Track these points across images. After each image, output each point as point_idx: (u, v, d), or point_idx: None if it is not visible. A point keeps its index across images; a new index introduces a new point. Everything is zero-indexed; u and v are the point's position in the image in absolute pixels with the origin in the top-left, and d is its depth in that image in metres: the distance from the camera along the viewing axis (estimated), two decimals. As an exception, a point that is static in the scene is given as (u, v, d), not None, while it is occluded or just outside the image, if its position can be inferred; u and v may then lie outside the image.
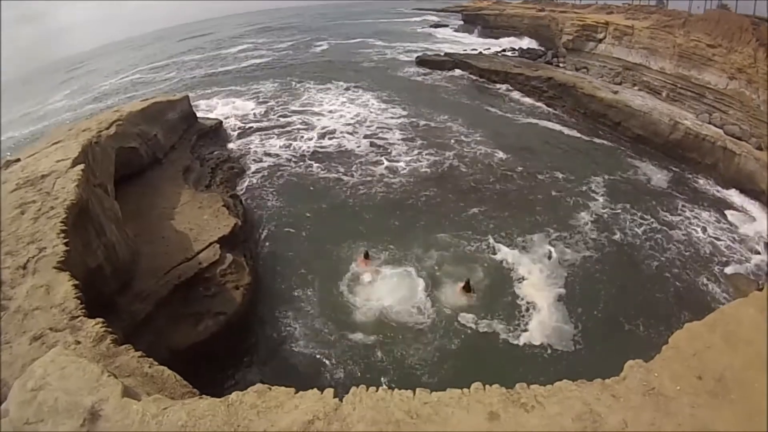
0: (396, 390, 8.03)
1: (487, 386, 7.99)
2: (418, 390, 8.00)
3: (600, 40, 58.60)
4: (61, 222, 15.64)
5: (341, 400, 7.88)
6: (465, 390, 7.93)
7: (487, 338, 20.85)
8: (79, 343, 10.43)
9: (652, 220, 30.11)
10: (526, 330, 21.10)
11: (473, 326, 21.32)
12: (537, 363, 19.55)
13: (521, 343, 20.49)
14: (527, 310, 22.31)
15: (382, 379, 18.76)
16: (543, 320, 21.59)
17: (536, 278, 24.32)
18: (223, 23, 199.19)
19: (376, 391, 8.02)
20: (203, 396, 8.94)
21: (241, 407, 7.73)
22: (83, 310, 11.80)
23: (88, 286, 14.97)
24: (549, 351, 20.10)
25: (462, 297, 23.14)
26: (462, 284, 23.48)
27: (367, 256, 26.27)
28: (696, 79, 42.63)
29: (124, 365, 9.87)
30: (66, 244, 14.68)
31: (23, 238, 14.93)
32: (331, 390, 8.10)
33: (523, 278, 24.40)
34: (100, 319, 11.37)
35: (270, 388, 8.15)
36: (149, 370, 9.78)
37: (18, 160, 23.44)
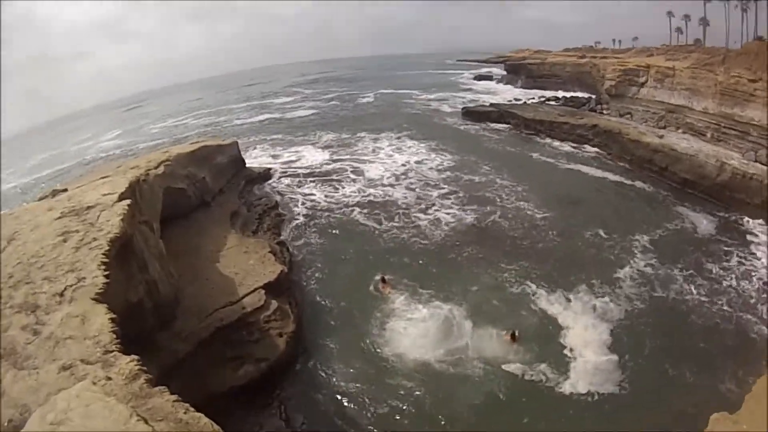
0: None
1: None
2: None
3: (642, 84, 57.87)
4: (103, 254, 15.03)
5: None
6: None
7: (535, 386, 19.75)
8: (110, 379, 9.44)
9: (698, 270, 28.56)
10: (574, 378, 19.92)
11: (520, 374, 20.24)
12: (589, 411, 18.42)
13: (569, 392, 19.33)
14: (574, 359, 21.12)
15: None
16: (590, 369, 20.42)
17: (581, 329, 23.17)
18: (270, 74, 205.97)
19: None
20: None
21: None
22: (118, 345, 10.90)
23: (128, 320, 14.22)
24: (597, 398, 18.96)
25: (509, 346, 22.15)
26: (509, 334, 22.52)
27: (384, 281, 27.54)
28: (739, 116, 41.32)
29: (158, 408, 8.78)
30: (106, 276, 13.99)
31: (63, 265, 14.32)
32: None
33: (567, 328, 23.29)
34: (135, 357, 10.39)
35: None
36: (184, 417, 8.64)
37: (65, 190, 23.33)
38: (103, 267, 14.30)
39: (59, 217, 17.89)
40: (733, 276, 27.90)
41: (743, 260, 29.60)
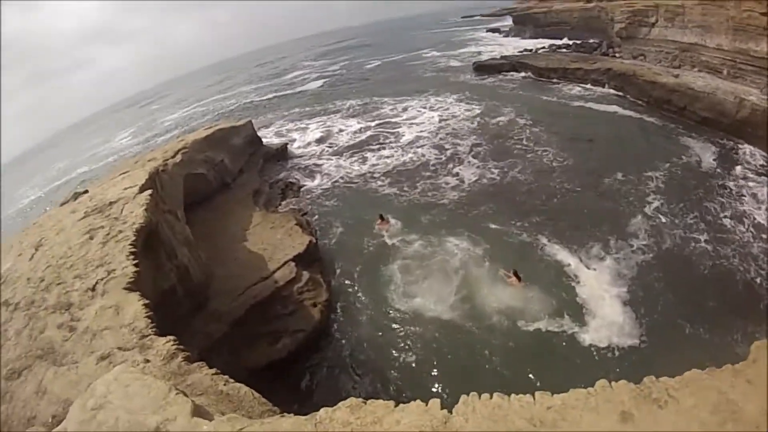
0: (513, 395, 6.82)
1: (613, 383, 6.83)
2: (538, 394, 6.81)
3: (652, 24, 55.87)
4: (130, 244, 15.27)
5: (450, 411, 6.67)
6: (590, 389, 6.80)
7: (556, 338, 19.67)
8: (148, 361, 9.65)
9: (702, 212, 27.93)
10: (593, 332, 19.72)
11: (540, 326, 20.16)
12: (611, 363, 18.27)
13: (589, 344, 19.17)
14: (591, 312, 20.84)
15: (472, 384, 17.57)
16: (608, 323, 20.12)
17: (596, 283, 22.80)
18: (272, 53, 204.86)
19: (491, 398, 6.80)
20: (285, 414, 7.88)
21: (332, 425, 6.55)
22: (153, 329, 11.09)
23: (162, 308, 14.44)
24: (618, 353, 18.70)
25: (515, 286, 22.31)
26: (511, 273, 22.67)
27: (382, 218, 29.52)
28: (754, 51, 39.45)
29: (197, 383, 8.97)
30: (135, 265, 14.20)
31: (92, 261, 14.58)
32: (437, 400, 6.85)
33: (583, 282, 22.92)
34: (171, 337, 10.60)
35: (365, 402, 6.98)
36: (224, 388, 8.81)
37: (86, 191, 23.60)
38: (131, 257, 14.52)
39: (83, 217, 18.20)
40: (732, 217, 27.39)
41: (742, 198, 29.02)
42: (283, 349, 19.57)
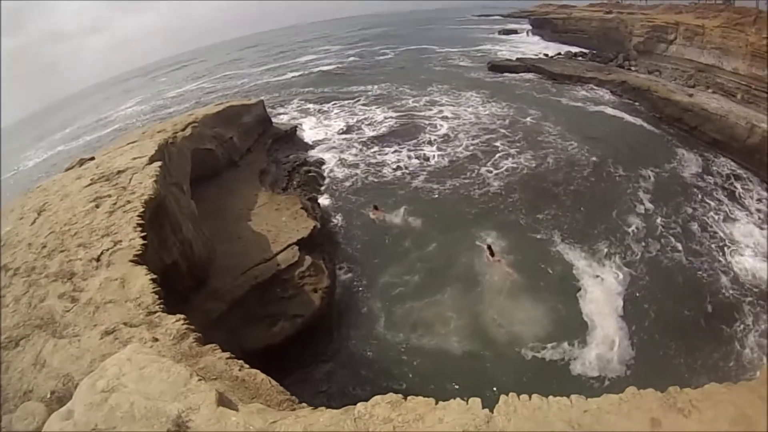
0: (551, 397, 6.61)
1: (642, 390, 6.72)
2: (573, 397, 6.63)
3: (671, 42, 55.77)
4: (138, 216, 14.72)
5: (491, 411, 6.41)
6: (622, 395, 6.66)
7: (551, 366, 19.11)
8: (157, 340, 9.15)
9: (687, 223, 28.76)
10: (588, 357, 19.25)
11: (540, 353, 19.50)
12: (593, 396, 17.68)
13: (578, 373, 18.69)
14: (591, 331, 20.41)
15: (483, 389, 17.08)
16: (604, 346, 19.70)
17: (599, 295, 22.54)
18: (282, 35, 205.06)
19: (530, 399, 6.59)
20: (318, 408, 7.47)
21: (372, 422, 6.21)
22: (161, 306, 10.62)
23: (163, 282, 13.93)
24: (607, 383, 18.08)
25: (495, 264, 23.00)
26: (486, 250, 23.56)
27: (377, 207, 30.69)
28: None
29: (210, 367, 8.47)
30: (143, 238, 13.68)
31: (97, 230, 14.03)
32: (478, 399, 6.56)
33: (587, 293, 22.67)
34: (181, 316, 10.13)
35: (405, 399, 6.62)
36: (240, 374, 8.33)
37: (92, 158, 23.08)
38: (139, 229, 14.00)
39: (89, 184, 17.65)
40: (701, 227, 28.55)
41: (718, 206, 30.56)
42: (281, 333, 19.39)
